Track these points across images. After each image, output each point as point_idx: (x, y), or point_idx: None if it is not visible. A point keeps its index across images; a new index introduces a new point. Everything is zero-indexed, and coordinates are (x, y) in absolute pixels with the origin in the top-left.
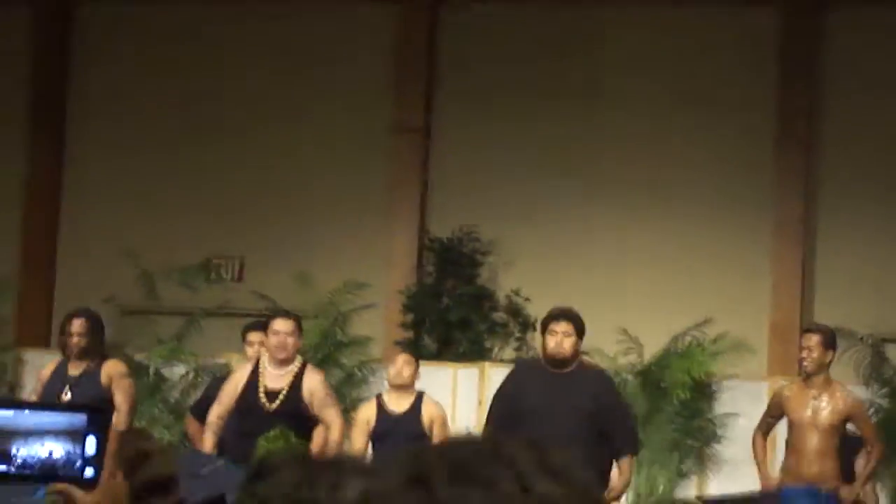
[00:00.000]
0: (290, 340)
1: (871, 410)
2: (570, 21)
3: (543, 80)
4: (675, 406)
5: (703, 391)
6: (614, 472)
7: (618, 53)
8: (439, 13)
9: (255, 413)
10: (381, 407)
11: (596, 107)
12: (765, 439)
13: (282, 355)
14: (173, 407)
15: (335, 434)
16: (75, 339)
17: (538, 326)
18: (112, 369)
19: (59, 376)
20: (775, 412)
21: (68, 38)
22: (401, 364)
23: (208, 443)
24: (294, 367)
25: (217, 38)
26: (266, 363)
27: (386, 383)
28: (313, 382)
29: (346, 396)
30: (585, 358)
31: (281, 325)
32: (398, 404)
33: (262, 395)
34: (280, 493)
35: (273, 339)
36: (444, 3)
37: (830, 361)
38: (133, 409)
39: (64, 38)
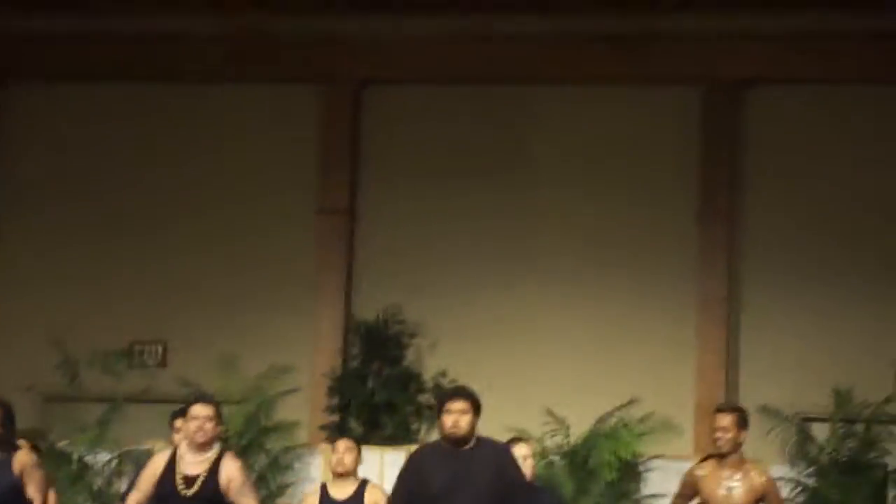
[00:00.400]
0: (209, 425)
1: (798, 490)
2: (497, 101)
3: (468, 161)
4: (601, 487)
5: (630, 472)
6: None
7: (543, 132)
8: (363, 94)
9: (173, 499)
10: (324, 495)
11: (520, 187)
12: None
13: (201, 439)
14: (97, 495)
15: None
16: None
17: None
18: (24, 459)
19: None
20: (688, 492)
21: None
22: (342, 451)
23: None
24: (212, 454)
25: (142, 122)
26: (184, 450)
27: (314, 469)
28: (231, 469)
29: (271, 482)
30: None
31: (199, 409)
32: (341, 491)
33: (179, 480)
34: None
35: (192, 424)
36: (368, 84)
37: (743, 441)
38: (46, 500)
39: None
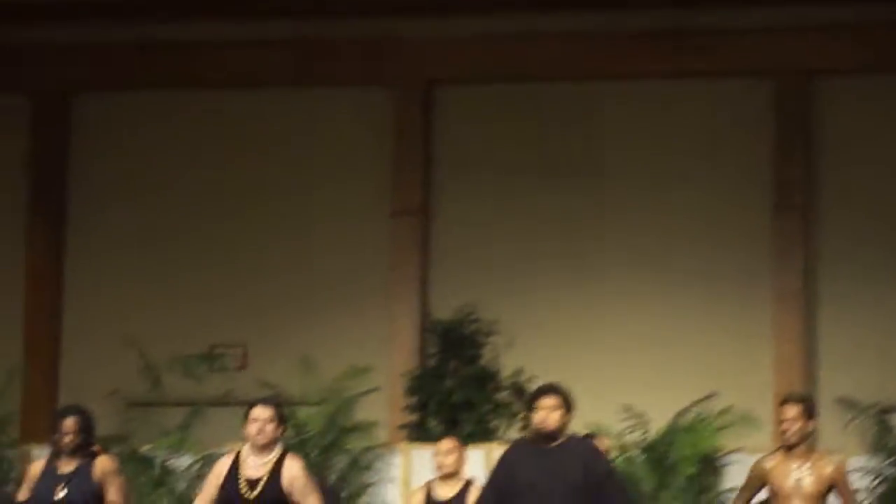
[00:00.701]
0: (269, 427)
1: (877, 480)
2: (567, 97)
3: (541, 157)
4: (682, 482)
5: (709, 466)
6: None
7: (615, 128)
8: (433, 94)
9: (237, 503)
10: (428, 495)
11: (595, 182)
12: None
13: (261, 441)
14: (179, 498)
15: None
16: (67, 439)
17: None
18: (105, 465)
19: (51, 474)
20: (755, 483)
21: (67, 124)
22: (443, 454)
23: None
24: (274, 455)
25: (217, 125)
26: (246, 452)
27: (394, 468)
28: (293, 470)
29: (352, 482)
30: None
31: (259, 412)
32: (446, 491)
33: (242, 483)
34: None
35: (252, 427)
36: (437, 85)
37: (811, 431)
38: None
39: (63, 124)
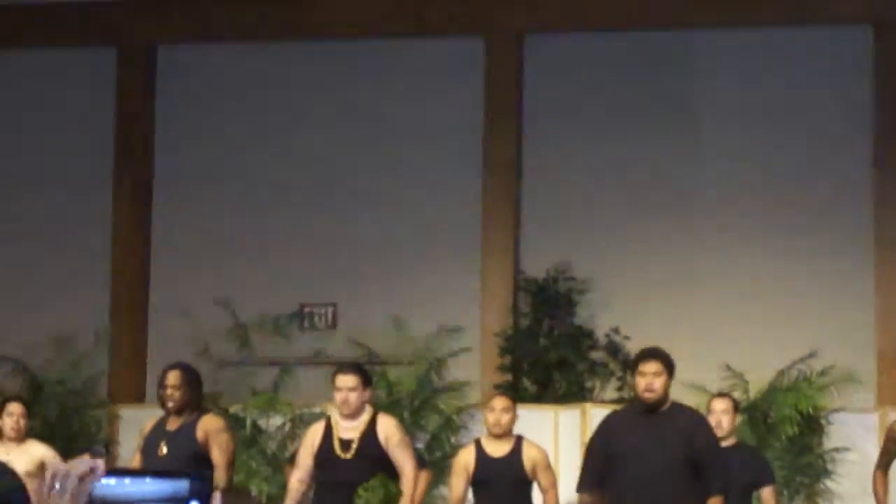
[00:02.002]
0: (353, 396)
1: None
2: (657, 47)
3: (636, 111)
4: (783, 442)
5: (811, 426)
6: None
7: (712, 78)
8: (524, 45)
9: (334, 463)
10: (480, 452)
11: (689, 133)
12: (885, 475)
13: (346, 411)
14: (271, 459)
15: (409, 477)
16: (169, 392)
17: None
18: (209, 424)
19: (158, 432)
20: (892, 446)
21: (152, 82)
22: (499, 412)
23: None
24: (366, 417)
25: (304, 81)
26: (337, 417)
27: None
28: (387, 426)
29: (444, 443)
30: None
31: (342, 381)
32: (498, 449)
33: (336, 445)
34: None
35: (337, 396)
36: (528, 35)
37: None
38: (231, 466)
39: (148, 82)
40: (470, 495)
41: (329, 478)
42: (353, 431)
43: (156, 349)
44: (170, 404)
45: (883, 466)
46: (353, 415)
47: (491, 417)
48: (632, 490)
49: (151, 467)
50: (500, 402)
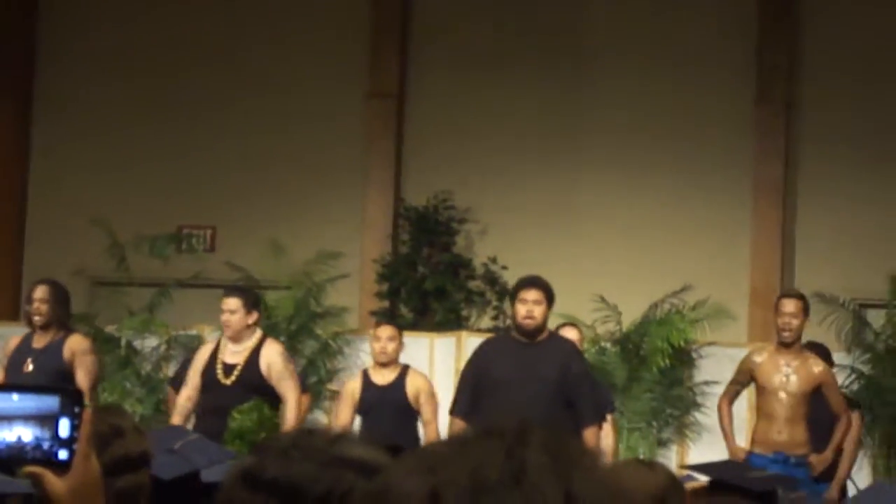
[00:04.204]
0: (235, 318)
1: (853, 377)
2: None
3: (521, 45)
4: (654, 374)
5: (682, 359)
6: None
7: (597, 18)
8: None
9: (215, 388)
10: (366, 380)
11: (575, 72)
12: (731, 406)
13: (227, 333)
14: (145, 379)
15: (290, 406)
16: (36, 306)
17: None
18: (76, 345)
19: (24, 349)
20: (743, 379)
21: (36, 3)
22: (385, 341)
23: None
24: (252, 342)
25: (189, 7)
26: (225, 340)
27: (364, 355)
28: (271, 355)
29: (321, 367)
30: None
31: (224, 303)
32: (383, 377)
33: (219, 370)
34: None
35: (221, 317)
36: None
37: (804, 329)
38: (95, 388)
39: (32, 3)
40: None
41: (209, 402)
42: (237, 356)
43: (31, 267)
44: (36, 318)
45: (730, 396)
46: (237, 338)
47: (377, 346)
48: (504, 417)
49: (16, 383)
50: (385, 331)
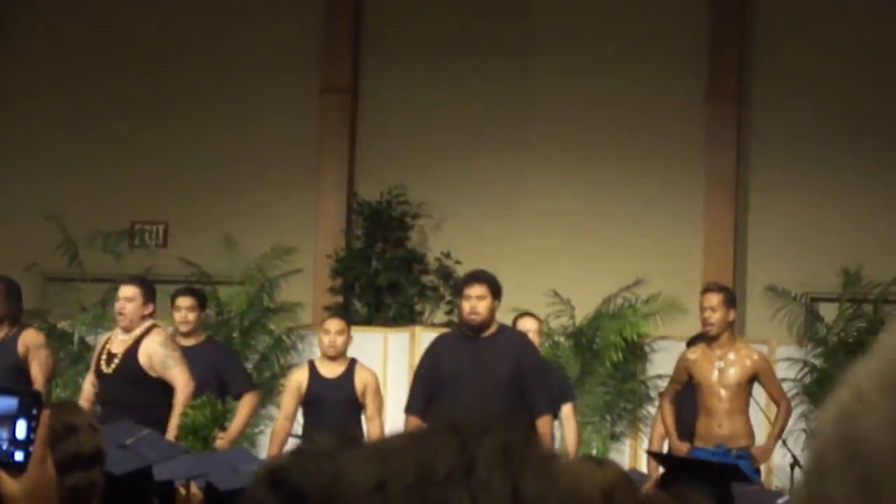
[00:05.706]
0: (129, 307)
1: (805, 370)
2: None
3: (473, 40)
4: (607, 368)
5: (635, 352)
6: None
7: (548, 11)
8: None
9: (101, 377)
10: (313, 371)
11: (526, 67)
12: (672, 405)
13: (122, 322)
14: None
15: (179, 391)
16: None
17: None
18: (29, 339)
19: None
20: (680, 377)
21: None
22: (333, 334)
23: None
24: (138, 332)
25: (140, 4)
26: (116, 331)
27: (318, 350)
28: (150, 346)
29: (274, 363)
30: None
31: (120, 291)
32: (331, 370)
33: (104, 358)
34: None
35: (116, 305)
36: None
37: (733, 320)
38: (50, 382)
39: None
40: (300, 416)
41: (100, 391)
42: (122, 345)
43: None
44: None
45: (669, 395)
46: (129, 328)
47: (325, 339)
48: (461, 413)
49: None
50: (334, 325)
